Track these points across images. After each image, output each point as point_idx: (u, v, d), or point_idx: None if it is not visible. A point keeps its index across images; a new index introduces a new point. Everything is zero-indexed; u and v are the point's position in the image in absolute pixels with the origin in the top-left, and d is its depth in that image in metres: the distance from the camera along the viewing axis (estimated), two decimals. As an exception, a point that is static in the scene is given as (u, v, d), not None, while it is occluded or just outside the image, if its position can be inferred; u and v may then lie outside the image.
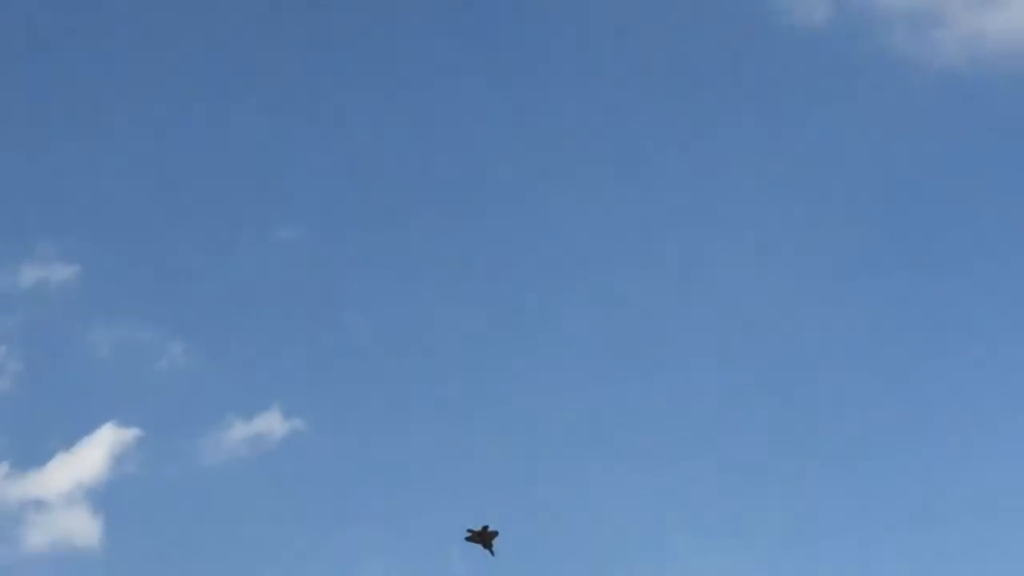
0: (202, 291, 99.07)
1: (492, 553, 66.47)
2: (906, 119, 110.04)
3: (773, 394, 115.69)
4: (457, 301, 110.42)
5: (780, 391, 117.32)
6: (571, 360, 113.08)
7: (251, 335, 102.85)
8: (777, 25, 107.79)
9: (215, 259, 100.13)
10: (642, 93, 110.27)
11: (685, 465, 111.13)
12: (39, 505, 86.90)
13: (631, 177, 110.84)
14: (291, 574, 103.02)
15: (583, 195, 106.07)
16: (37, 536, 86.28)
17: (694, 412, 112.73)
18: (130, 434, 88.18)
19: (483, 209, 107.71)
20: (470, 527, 67.05)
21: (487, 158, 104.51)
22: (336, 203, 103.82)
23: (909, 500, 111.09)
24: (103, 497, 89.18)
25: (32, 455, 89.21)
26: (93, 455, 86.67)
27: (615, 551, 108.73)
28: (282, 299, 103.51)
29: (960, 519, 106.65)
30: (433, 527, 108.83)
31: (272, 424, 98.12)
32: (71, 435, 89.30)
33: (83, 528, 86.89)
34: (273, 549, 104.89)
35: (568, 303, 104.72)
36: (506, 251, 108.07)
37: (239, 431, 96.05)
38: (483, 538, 66.53)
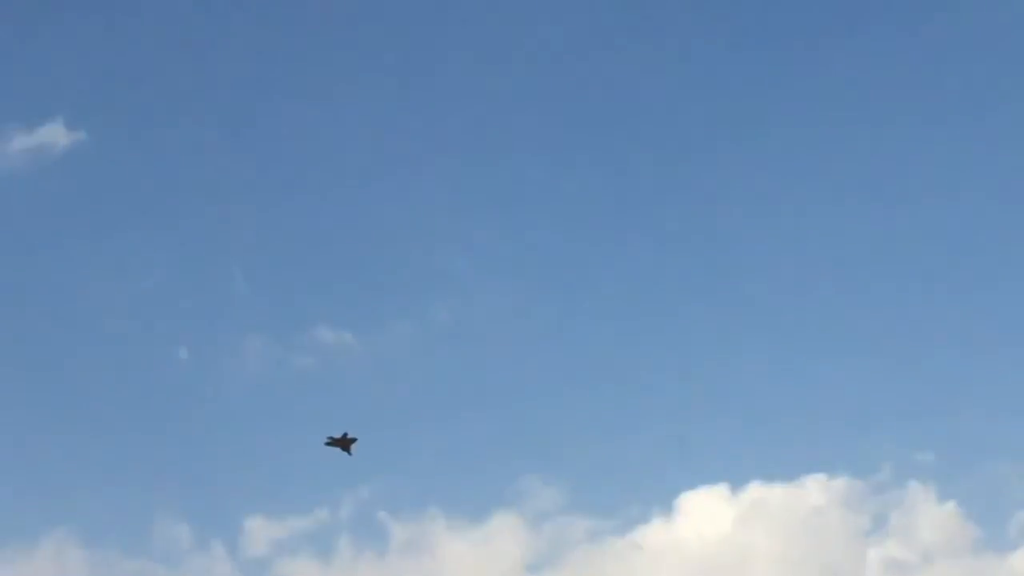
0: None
1: (350, 454, 71.83)
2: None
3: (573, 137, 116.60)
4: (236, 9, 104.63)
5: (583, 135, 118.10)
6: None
7: (33, 40, 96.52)
8: None
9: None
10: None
11: (473, 201, 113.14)
12: None
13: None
14: (71, 277, 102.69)
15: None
16: None
17: (487, 151, 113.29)
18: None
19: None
20: (330, 435, 71.75)
21: None
22: None
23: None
24: None
25: None
26: None
27: (403, 276, 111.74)
28: (67, 3, 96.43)
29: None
30: (214, 236, 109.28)
31: (55, 136, 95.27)
32: None
33: None
34: (54, 256, 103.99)
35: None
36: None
37: (20, 142, 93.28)
38: (343, 443, 71.50)
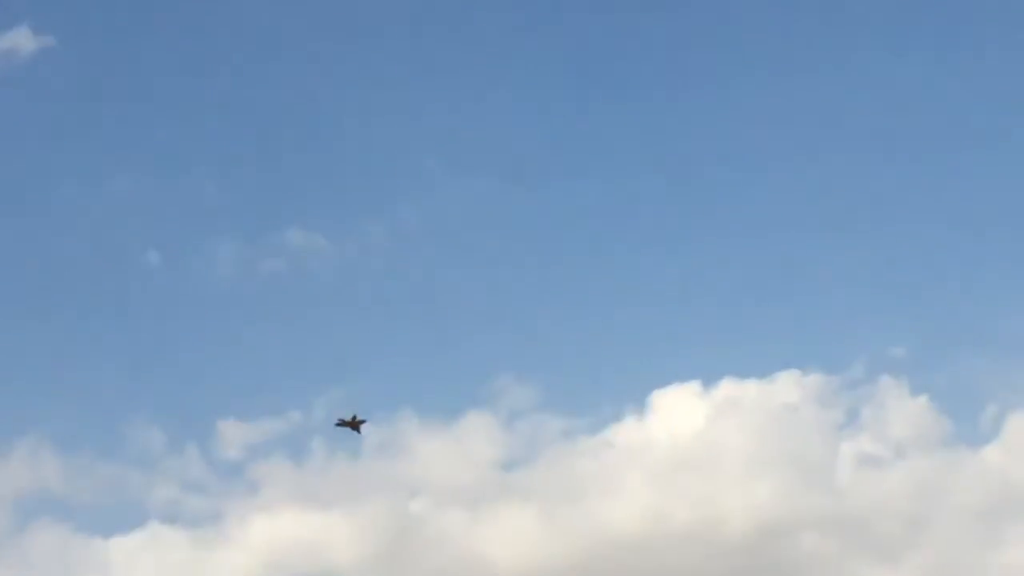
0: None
1: (359, 432, 70.98)
2: None
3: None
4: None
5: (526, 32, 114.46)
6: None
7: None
8: None
9: None
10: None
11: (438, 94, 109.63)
12: None
13: None
14: (40, 182, 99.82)
15: None
16: None
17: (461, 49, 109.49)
18: None
19: None
20: (340, 417, 70.62)
21: None
22: None
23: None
24: None
25: None
26: None
27: (372, 175, 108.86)
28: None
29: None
30: (183, 139, 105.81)
31: (22, 41, 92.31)
32: None
33: None
34: (23, 161, 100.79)
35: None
36: None
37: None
38: (352, 424, 70.54)
